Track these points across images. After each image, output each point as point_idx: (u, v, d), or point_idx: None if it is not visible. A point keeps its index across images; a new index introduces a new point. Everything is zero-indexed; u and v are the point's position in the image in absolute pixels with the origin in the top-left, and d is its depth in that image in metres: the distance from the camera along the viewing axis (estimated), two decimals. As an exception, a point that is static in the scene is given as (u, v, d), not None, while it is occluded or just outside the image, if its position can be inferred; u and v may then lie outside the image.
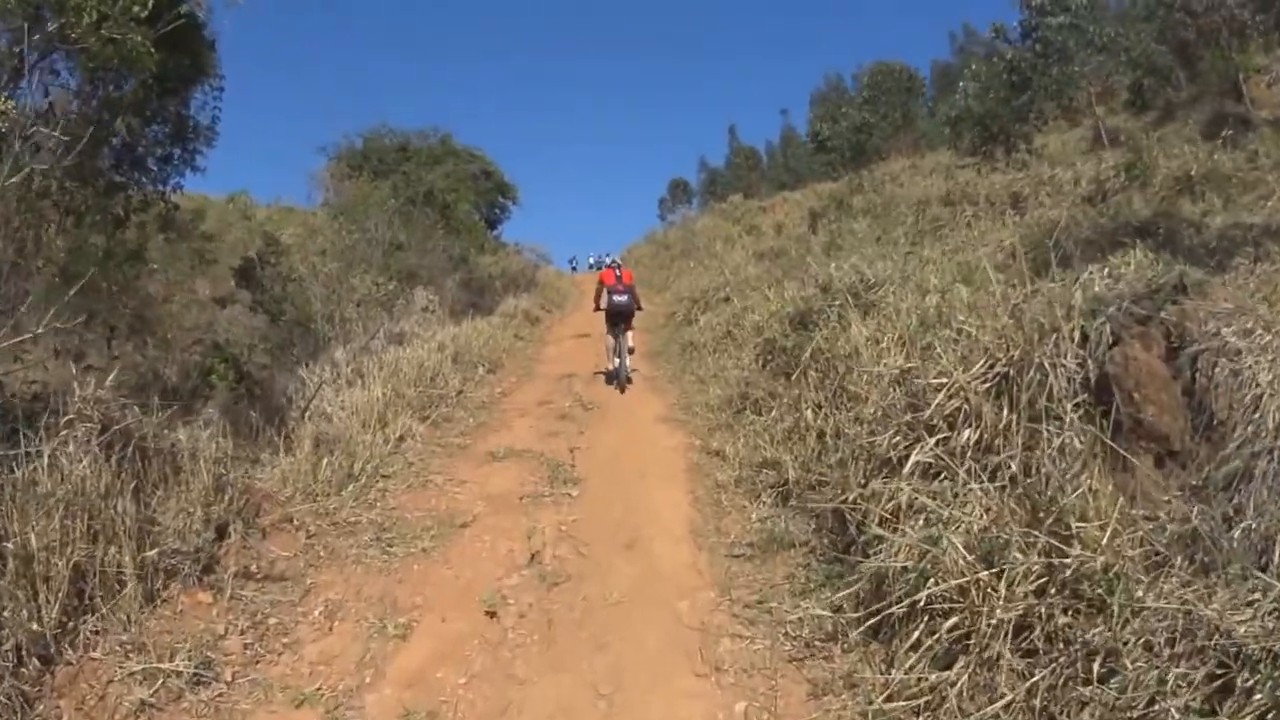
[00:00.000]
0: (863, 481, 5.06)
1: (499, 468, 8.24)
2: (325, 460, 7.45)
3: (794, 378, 7.65)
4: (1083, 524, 3.60)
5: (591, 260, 49.19)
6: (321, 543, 6.41)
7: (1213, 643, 3.16)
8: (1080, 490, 3.77)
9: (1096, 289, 4.80)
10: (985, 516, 4.11)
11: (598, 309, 12.83)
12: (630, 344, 12.64)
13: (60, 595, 4.58)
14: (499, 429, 10.02)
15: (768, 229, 28.17)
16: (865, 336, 6.42)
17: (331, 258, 15.19)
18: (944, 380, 4.66)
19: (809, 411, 6.69)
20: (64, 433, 5.34)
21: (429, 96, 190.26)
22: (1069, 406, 4.35)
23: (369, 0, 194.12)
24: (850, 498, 4.96)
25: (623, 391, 12.16)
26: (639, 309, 12.97)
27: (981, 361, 4.65)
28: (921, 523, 4.37)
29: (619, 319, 12.36)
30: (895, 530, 4.40)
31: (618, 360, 12.31)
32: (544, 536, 6.34)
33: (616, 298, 12.39)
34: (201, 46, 8.97)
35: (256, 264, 12.34)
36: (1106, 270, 5.12)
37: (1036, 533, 3.66)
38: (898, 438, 4.94)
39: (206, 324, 15.03)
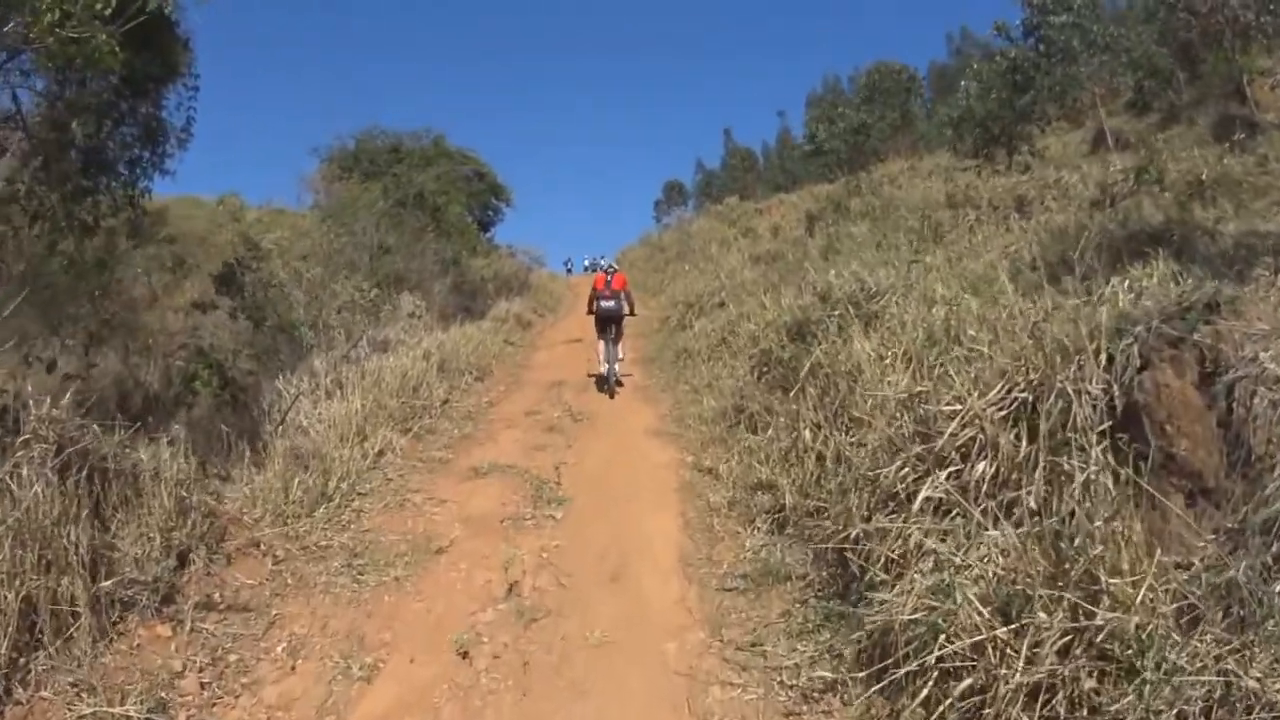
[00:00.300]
0: (866, 514, 4.68)
1: (481, 485, 7.84)
2: (298, 479, 7.05)
3: (792, 394, 7.27)
4: (1114, 580, 3.22)
5: (586, 262, 48.95)
6: (290, 569, 6.03)
7: (1253, 716, 2.86)
8: (1110, 538, 3.39)
9: (1121, 306, 4.42)
10: (1002, 562, 3.75)
11: (590, 313, 12.90)
12: (620, 351, 12.71)
13: (10, 630, 4.27)
14: (484, 442, 9.64)
15: (764, 232, 27.81)
16: (868, 352, 6.03)
17: (316, 262, 14.81)
18: (957, 407, 4.26)
19: (807, 432, 6.29)
20: (19, 454, 5.00)
21: (423, 96, 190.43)
22: (1094, 438, 3.97)
23: (365, 3, 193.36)
24: (853, 534, 4.56)
25: (612, 397, 12.12)
26: (631, 314, 12.99)
27: (999, 386, 4.25)
28: (931, 565, 4.00)
29: (608, 323, 12.49)
30: (901, 575, 4.03)
31: (607, 365, 12.35)
32: (523, 565, 5.95)
33: (605, 303, 12.52)
34: (173, 45, 8.60)
35: (236, 269, 11.90)
36: (1127, 283, 4.74)
37: (1061, 589, 3.29)
38: (905, 469, 4.55)
39: (192, 329, 14.67)
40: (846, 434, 5.93)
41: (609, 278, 12.88)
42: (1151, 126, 21.38)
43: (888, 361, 5.96)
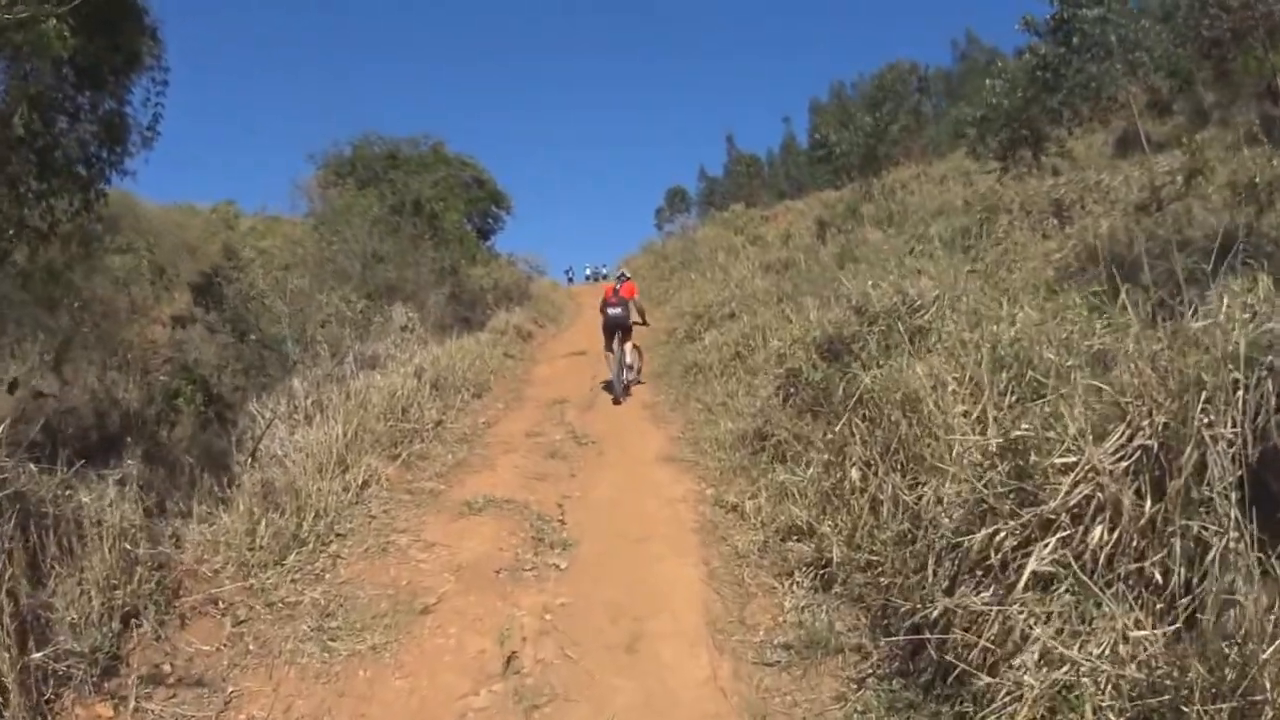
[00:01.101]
0: (946, 584, 3.80)
1: (475, 524, 6.95)
2: (265, 520, 6.18)
3: (833, 423, 6.40)
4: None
5: (588, 271, 48.26)
6: (252, 632, 5.17)
7: None
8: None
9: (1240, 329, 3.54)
10: (1136, 655, 2.90)
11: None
12: (629, 358, 12.99)
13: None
14: (480, 469, 8.77)
15: (773, 239, 26.96)
16: (926, 379, 5.15)
17: (305, 271, 14.00)
18: (1072, 459, 3.37)
19: (854, 470, 5.39)
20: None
21: (421, 98, 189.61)
22: (1231, 495, 3.11)
23: (363, 3, 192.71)
24: (934, 614, 3.67)
25: (617, 403, 12.25)
26: (643, 323, 13.56)
27: (1120, 432, 3.36)
28: (1038, 656, 3.15)
29: (614, 331, 12.78)
30: (995, 666, 3.17)
31: (614, 370, 12.63)
32: (523, 630, 5.05)
33: (610, 310, 12.83)
34: (137, 32, 7.74)
35: (213, 280, 11.10)
36: (1224, 299, 3.84)
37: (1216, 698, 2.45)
38: (1001, 534, 3.66)
39: (177, 343, 13.96)
40: (903, 475, 5.06)
41: (617, 286, 13.21)
42: (1178, 128, 20.49)
43: (951, 390, 5.09)
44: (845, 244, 18.87)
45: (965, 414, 4.89)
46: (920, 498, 4.68)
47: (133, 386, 12.09)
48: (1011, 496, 3.61)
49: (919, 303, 6.98)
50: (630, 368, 13.07)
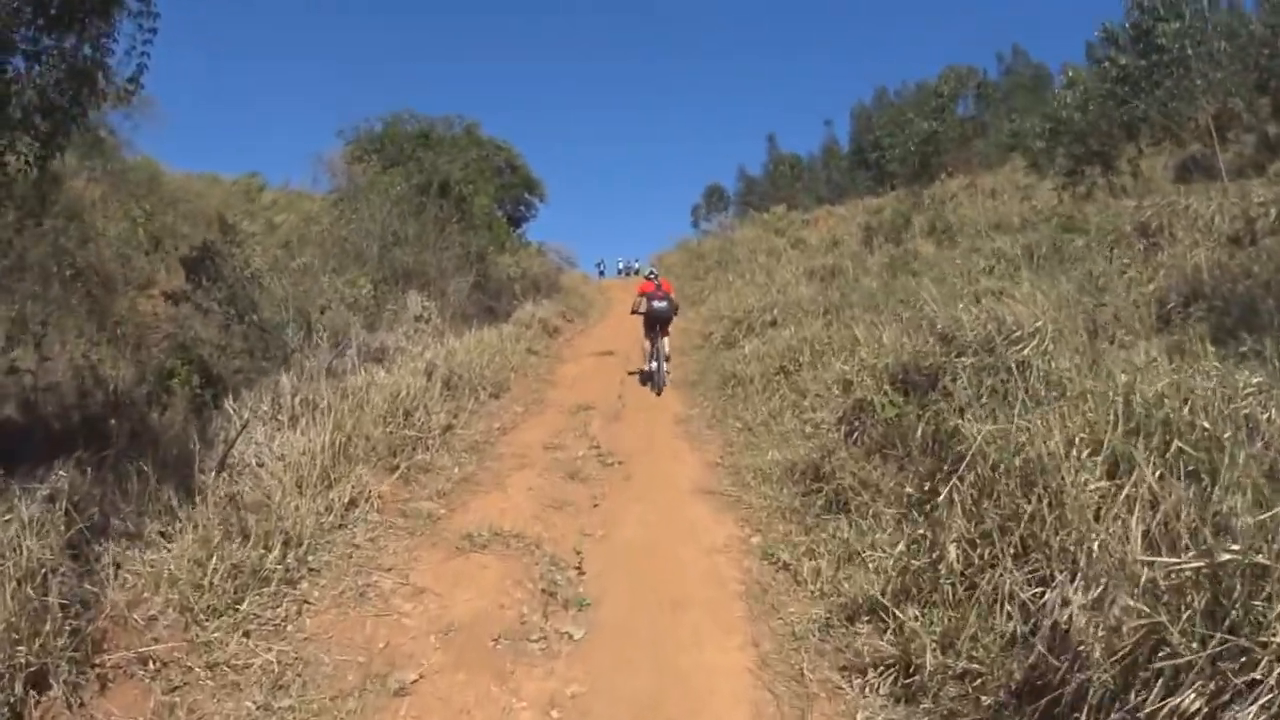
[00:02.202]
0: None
1: (475, 565, 5.83)
2: (220, 551, 5.11)
3: (907, 468, 5.29)
4: None
5: (620, 265, 47.10)
6: (186, 703, 4.14)
7: None
8: None
9: None
10: None
11: (635, 312, 13.39)
12: (667, 350, 13.12)
13: None
14: (488, 489, 7.68)
15: (815, 243, 25.75)
16: (1060, 443, 3.99)
17: (314, 251, 12.98)
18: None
19: (953, 548, 4.23)
20: None
21: (457, 86, 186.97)
22: None
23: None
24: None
25: (659, 394, 12.38)
26: (676, 312, 13.61)
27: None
28: None
29: (657, 323, 12.94)
30: None
31: (654, 364, 12.74)
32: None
33: (657, 303, 12.99)
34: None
35: (206, 255, 10.07)
36: None
37: None
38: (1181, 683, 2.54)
39: (178, 319, 13.02)
40: (1018, 558, 3.93)
41: (657, 283, 13.47)
42: (1239, 157, 19.10)
43: (1086, 455, 3.94)
44: (895, 254, 17.72)
45: (1103, 493, 3.76)
46: (1043, 599, 3.57)
47: (124, 363, 11.26)
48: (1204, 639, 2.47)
49: (1016, 333, 5.82)
50: (668, 358, 13.17)
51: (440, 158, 23.12)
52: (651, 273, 14.55)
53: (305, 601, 5.17)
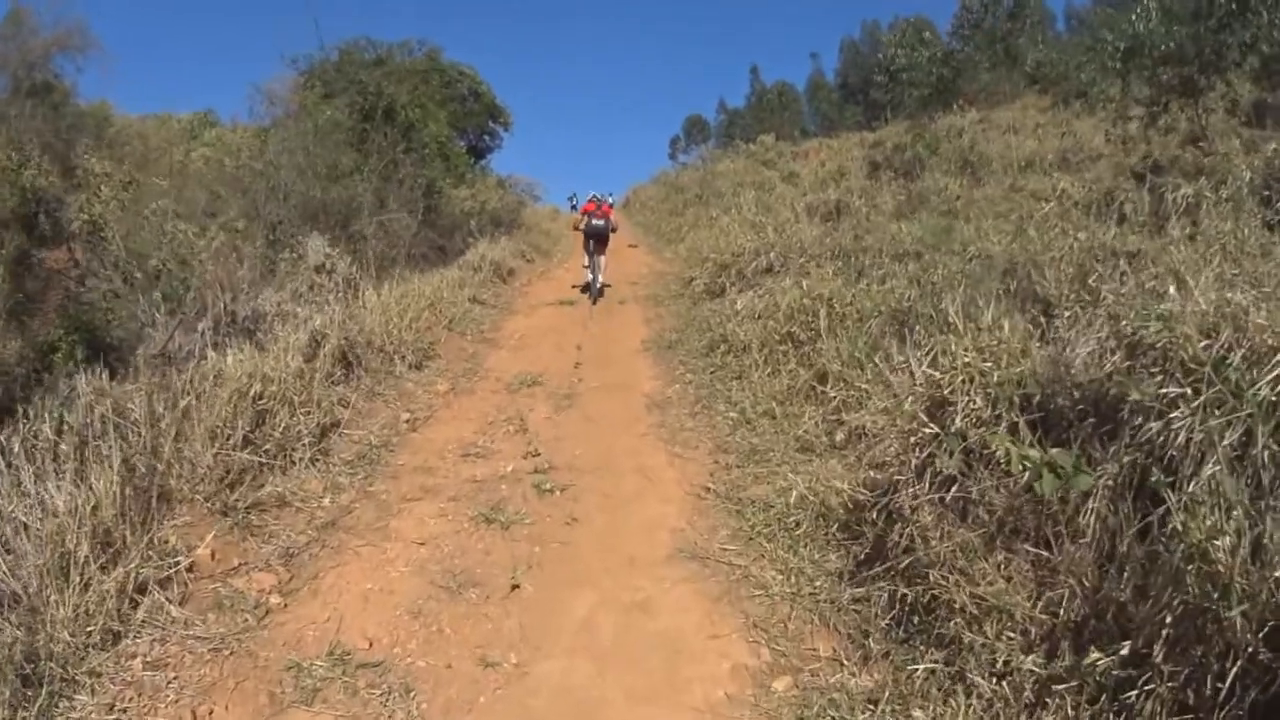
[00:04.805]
0: None
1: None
2: None
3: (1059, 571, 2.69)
4: None
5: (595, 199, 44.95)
6: None
7: None
8: None
9: None
10: None
11: (575, 229, 15.34)
12: (603, 264, 14.66)
13: None
14: (359, 542, 5.04)
15: (808, 177, 22.91)
16: None
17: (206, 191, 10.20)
18: None
19: None
20: None
21: (430, 20, 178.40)
22: None
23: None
24: None
25: (594, 303, 14.03)
26: (613, 231, 14.82)
27: None
28: None
29: (592, 239, 14.45)
30: None
31: (590, 275, 14.51)
32: None
33: (595, 221, 14.40)
34: None
35: (32, 203, 7.41)
36: None
37: None
38: None
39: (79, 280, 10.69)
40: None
41: (598, 205, 14.67)
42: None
43: None
44: (914, 191, 14.99)
45: None
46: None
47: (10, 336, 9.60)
48: None
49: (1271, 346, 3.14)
50: (604, 269, 14.75)
51: (385, 81, 20.14)
52: (596, 196, 15.18)
53: None
